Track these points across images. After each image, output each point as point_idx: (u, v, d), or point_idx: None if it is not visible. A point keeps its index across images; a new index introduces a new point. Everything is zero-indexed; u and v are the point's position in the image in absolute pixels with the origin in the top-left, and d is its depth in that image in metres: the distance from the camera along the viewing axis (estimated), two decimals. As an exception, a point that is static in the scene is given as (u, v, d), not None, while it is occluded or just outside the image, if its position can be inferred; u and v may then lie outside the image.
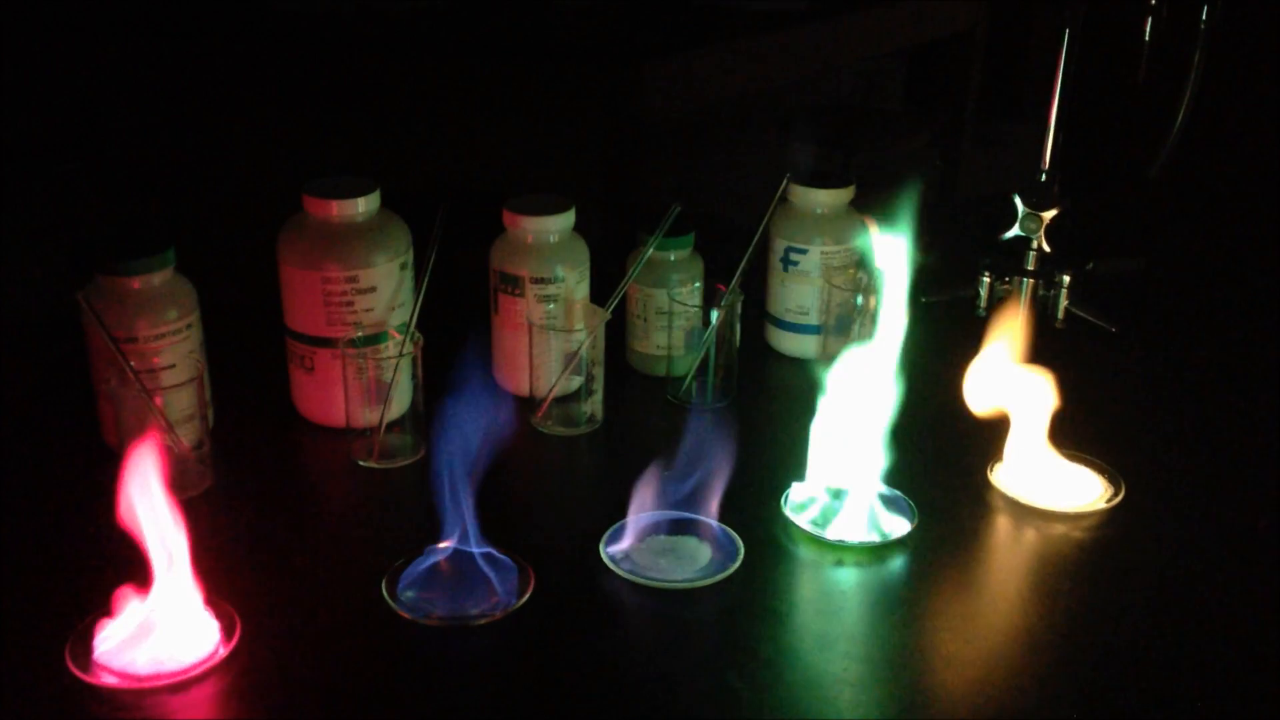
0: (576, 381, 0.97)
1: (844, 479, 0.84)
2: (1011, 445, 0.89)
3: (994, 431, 0.92)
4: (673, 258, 1.03)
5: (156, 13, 2.59)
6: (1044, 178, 1.11)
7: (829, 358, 1.05)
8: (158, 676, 0.68)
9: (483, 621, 0.73)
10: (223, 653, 0.70)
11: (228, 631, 0.71)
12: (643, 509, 0.82)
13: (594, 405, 0.98)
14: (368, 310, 0.92)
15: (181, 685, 0.68)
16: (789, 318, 1.09)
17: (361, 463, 0.92)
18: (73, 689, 0.67)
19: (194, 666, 0.69)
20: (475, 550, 0.76)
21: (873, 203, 1.02)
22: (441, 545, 0.76)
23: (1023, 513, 0.87)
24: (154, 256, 0.86)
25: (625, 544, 0.81)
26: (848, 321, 1.03)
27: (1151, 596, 0.79)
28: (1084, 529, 0.85)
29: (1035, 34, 4.28)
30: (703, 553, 0.80)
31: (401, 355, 0.91)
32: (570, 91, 2.21)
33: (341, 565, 0.80)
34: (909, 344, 0.85)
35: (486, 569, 0.76)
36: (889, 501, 0.85)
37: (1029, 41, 4.30)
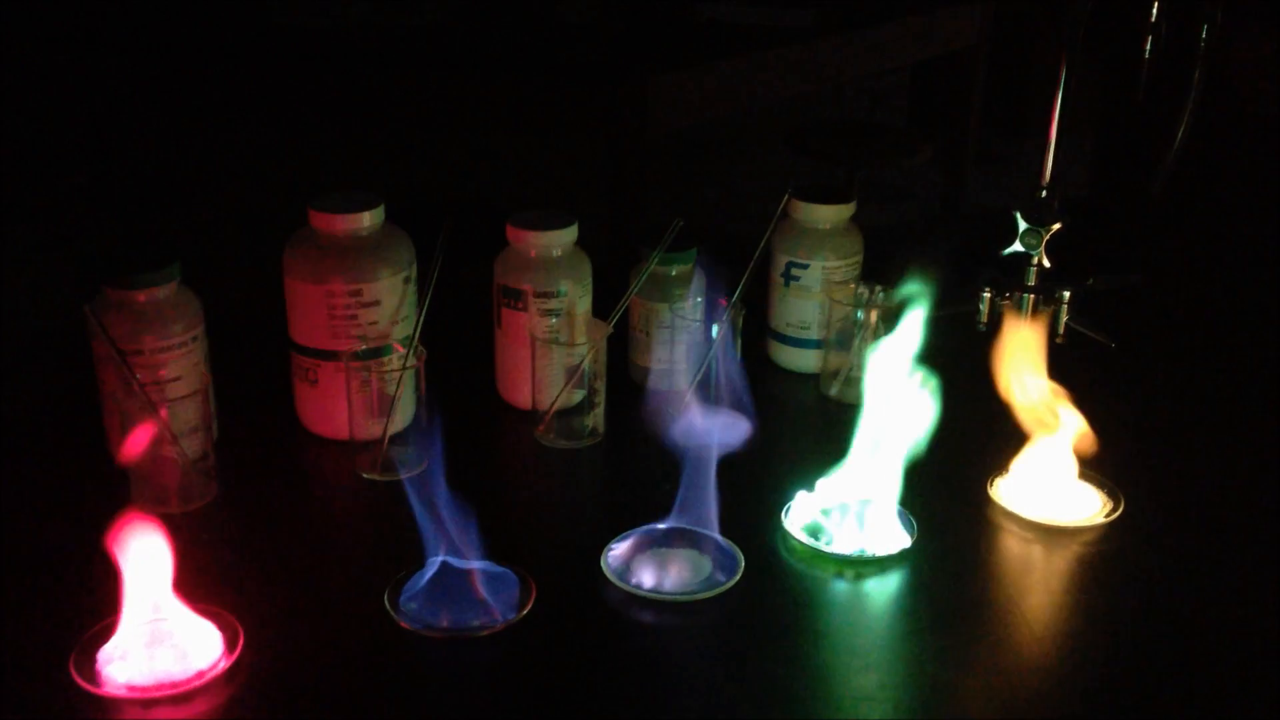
0: (579, 395, 0.97)
1: (845, 493, 0.85)
2: (1019, 460, 0.90)
3: (993, 445, 0.92)
4: (674, 272, 1.03)
5: (162, 28, 2.60)
6: (1044, 194, 1.12)
7: (830, 372, 1.06)
8: (161, 687, 0.68)
9: (484, 633, 0.74)
10: (225, 663, 0.70)
11: (230, 642, 0.71)
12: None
13: (596, 419, 0.98)
14: (371, 323, 0.93)
15: (185, 696, 0.68)
16: (790, 332, 1.09)
17: (365, 475, 0.92)
18: (76, 699, 0.68)
19: (197, 677, 0.69)
20: (477, 563, 0.76)
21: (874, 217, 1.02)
22: (444, 557, 0.76)
23: (1022, 527, 0.87)
24: (160, 270, 0.87)
25: (626, 556, 0.81)
26: (849, 336, 1.03)
27: (1151, 610, 0.79)
28: (1083, 543, 0.86)
29: (1037, 52, 4.29)
30: (703, 565, 0.80)
31: (405, 368, 0.91)
32: (574, 107, 2.23)
33: (344, 577, 0.81)
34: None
35: (488, 581, 0.76)
36: (889, 515, 0.85)
37: (1031, 59, 4.32)
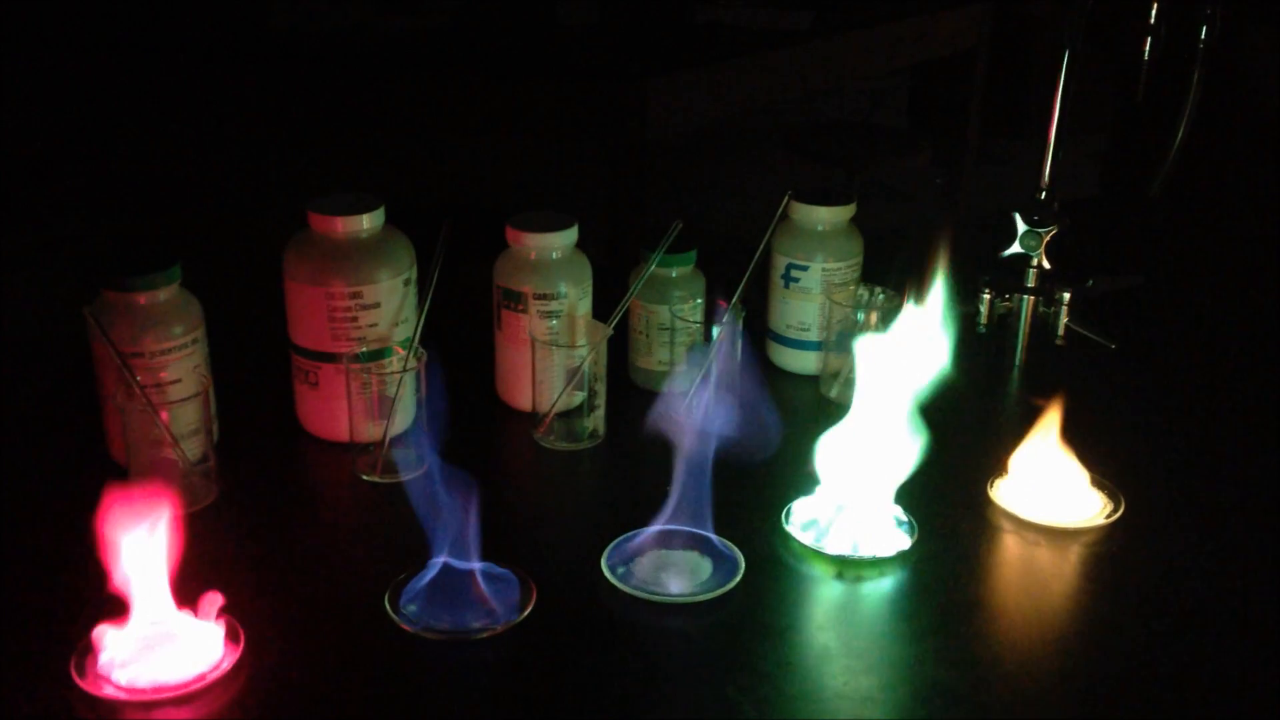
0: (579, 397, 0.97)
1: (845, 494, 0.85)
2: (1018, 461, 0.90)
3: (993, 447, 0.92)
4: (674, 274, 1.03)
5: (162, 32, 2.60)
6: (1044, 195, 1.12)
7: (830, 373, 1.06)
8: (161, 689, 0.68)
9: (485, 635, 0.74)
10: (226, 665, 0.70)
11: (231, 644, 0.71)
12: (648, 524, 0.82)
13: (596, 420, 0.98)
14: (372, 325, 0.93)
15: (185, 698, 0.68)
16: (790, 334, 1.09)
17: (365, 477, 0.92)
18: (77, 701, 0.68)
19: (197, 679, 0.69)
20: (477, 564, 0.76)
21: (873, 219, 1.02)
22: (444, 559, 0.77)
23: (1022, 528, 0.87)
24: (160, 272, 0.87)
25: (627, 558, 0.81)
26: (848, 337, 1.03)
27: (1150, 612, 0.79)
28: (1083, 544, 0.86)
29: (1036, 53, 4.30)
30: (703, 567, 0.80)
31: (405, 370, 0.91)
32: (574, 109, 2.23)
33: (345, 579, 0.81)
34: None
35: (488, 583, 0.76)
36: (888, 517, 0.85)
37: (1031, 60, 4.32)
